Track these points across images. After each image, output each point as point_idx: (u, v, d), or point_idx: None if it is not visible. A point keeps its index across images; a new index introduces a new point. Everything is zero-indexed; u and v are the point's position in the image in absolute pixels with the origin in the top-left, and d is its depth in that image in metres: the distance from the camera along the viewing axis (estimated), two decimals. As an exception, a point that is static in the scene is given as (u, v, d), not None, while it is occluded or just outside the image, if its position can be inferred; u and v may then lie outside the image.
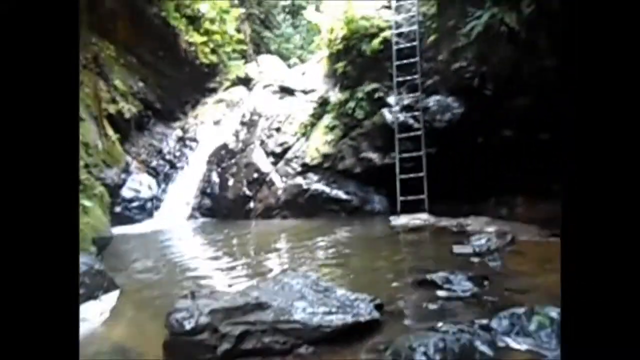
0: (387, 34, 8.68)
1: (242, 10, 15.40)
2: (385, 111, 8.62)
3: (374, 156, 8.70)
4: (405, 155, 8.16)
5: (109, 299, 4.12)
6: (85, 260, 4.11)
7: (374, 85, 8.72)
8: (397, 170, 8.08)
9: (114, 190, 9.90)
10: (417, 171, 7.95)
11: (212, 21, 13.63)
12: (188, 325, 2.67)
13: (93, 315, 3.79)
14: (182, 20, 12.96)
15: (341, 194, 8.95)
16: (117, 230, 9.20)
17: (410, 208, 7.70)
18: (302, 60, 14.69)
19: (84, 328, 3.48)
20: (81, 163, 8.94)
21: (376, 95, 8.68)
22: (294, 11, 18.43)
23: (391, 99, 8.62)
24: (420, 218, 7.28)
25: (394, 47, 8.61)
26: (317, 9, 11.35)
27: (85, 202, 4.77)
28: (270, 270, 5.26)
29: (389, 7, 9.10)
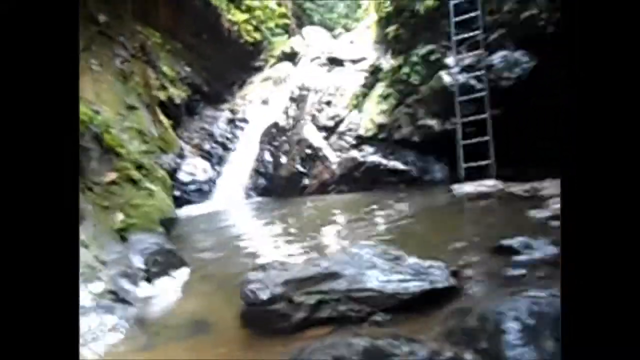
0: None
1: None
2: (443, 74, 8.29)
3: (432, 123, 8.46)
4: (467, 119, 7.87)
5: (181, 275, 4.36)
6: (156, 240, 4.43)
7: (430, 47, 8.41)
8: (459, 135, 7.83)
9: (172, 175, 10.18)
10: (481, 135, 7.66)
11: (253, -3, 13.58)
12: (263, 296, 2.71)
13: (168, 291, 4.04)
14: (222, -1, 12.96)
15: (399, 165, 8.80)
16: (177, 212, 9.61)
17: (475, 175, 7.46)
18: (348, 30, 14.46)
19: (162, 303, 3.75)
20: (139, 149, 9.29)
21: (432, 58, 8.36)
22: None
23: (449, 60, 8.27)
24: (487, 185, 6.98)
25: (451, 3, 8.19)
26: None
27: (149, 185, 4.95)
28: (330, 244, 5.31)
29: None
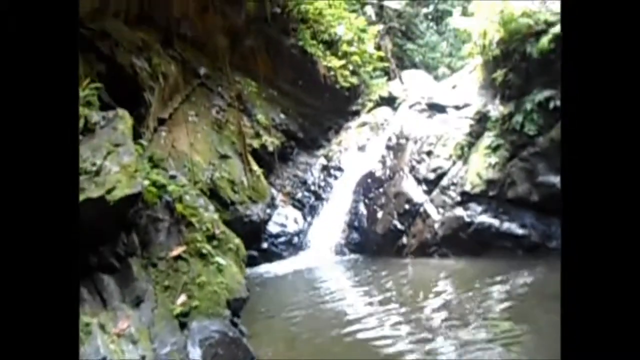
0: (557, 29, 7.35)
1: (380, 26, 14.89)
2: None
3: (555, 180, 7.43)
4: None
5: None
6: (219, 327, 4.06)
7: (547, 93, 7.52)
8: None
9: (260, 225, 9.81)
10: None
11: (349, 43, 13.50)
12: None
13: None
14: (319, 46, 13.01)
15: (515, 228, 7.86)
16: (264, 268, 9.54)
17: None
18: (452, 69, 13.80)
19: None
20: (226, 201, 9.00)
21: (551, 105, 7.42)
22: (438, 17, 17.53)
23: None
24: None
25: None
26: (464, 13, 10.33)
27: (219, 259, 4.49)
28: (436, 322, 4.98)
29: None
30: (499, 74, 8.36)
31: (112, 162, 3.79)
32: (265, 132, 11.47)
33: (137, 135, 7.56)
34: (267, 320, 5.88)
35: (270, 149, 11.43)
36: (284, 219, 10.74)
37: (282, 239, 10.37)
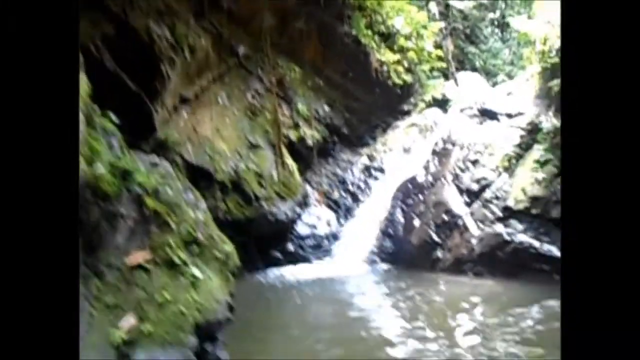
0: None
1: (442, 24, 14.19)
2: None
3: None
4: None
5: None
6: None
7: None
8: None
9: (287, 225, 9.48)
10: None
11: (407, 37, 12.99)
12: None
13: None
14: (374, 37, 12.48)
15: (555, 250, 7.43)
16: (289, 270, 9.29)
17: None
18: (511, 77, 13.02)
19: None
20: (250, 196, 8.66)
21: None
22: (504, 23, 16.94)
23: None
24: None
25: None
26: (530, 16, 9.59)
27: (195, 270, 3.73)
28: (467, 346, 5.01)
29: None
30: (556, 84, 7.93)
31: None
32: (305, 124, 11.14)
33: (142, 112, 7.00)
34: (273, 336, 5.74)
35: (310, 142, 11.11)
36: (316, 219, 10.45)
37: (310, 242, 10.12)
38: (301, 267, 9.46)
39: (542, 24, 8.33)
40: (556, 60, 7.89)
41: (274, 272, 9.09)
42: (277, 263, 9.44)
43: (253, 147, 9.28)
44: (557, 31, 7.69)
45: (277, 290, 8.13)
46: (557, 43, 7.78)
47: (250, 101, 9.91)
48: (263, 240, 9.23)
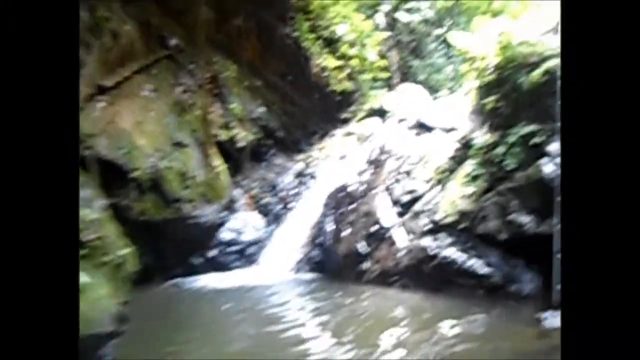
0: (551, 64, 6.93)
1: (388, 33, 14.17)
2: (543, 162, 6.75)
3: (526, 220, 6.88)
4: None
5: None
6: None
7: (532, 128, 7.03)
8: (557, 245, 6.00)
9: (209, 229, 9.02)
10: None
11: (351, 45, 12.64)
12: None
13: None
14: (316, 42, 12.15)
15: (479, 266, 7.31)
16: (210, 278, 8.95)
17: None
18: (453, 92, 13.02)
19: None
20: (169, 196, 8.14)
21: (533, 141, 6.93)
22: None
23: (552, 147, 6.72)
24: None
25: (559, 81, 6.53)
26: (467, 31, 9.62)
27: (83, 276, 3.35)
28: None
29: (556, 32, 7.42)
30: (490, 101, 7.88)
31: None
32: (239, 124, 10.73)
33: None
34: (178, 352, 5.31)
35: (242, 143, 10.65)
36: (242, 224, 10.04)
37: (234, 248, 9.77)
38: (222, 274, 9.13)
39: (480, 40, 8.31)
40: (492, 78, 7.84)
41: (191, 280, 8.70)
42: (197, 270, 9.04)
43: (177, 144, 8.77)
44: (495, 48, 7.69)
45: (191, 299, 7.76)
46: (495, 60, 7.73)
47: (180, 96, 9.42)
48: (182, 244, 8.77)
